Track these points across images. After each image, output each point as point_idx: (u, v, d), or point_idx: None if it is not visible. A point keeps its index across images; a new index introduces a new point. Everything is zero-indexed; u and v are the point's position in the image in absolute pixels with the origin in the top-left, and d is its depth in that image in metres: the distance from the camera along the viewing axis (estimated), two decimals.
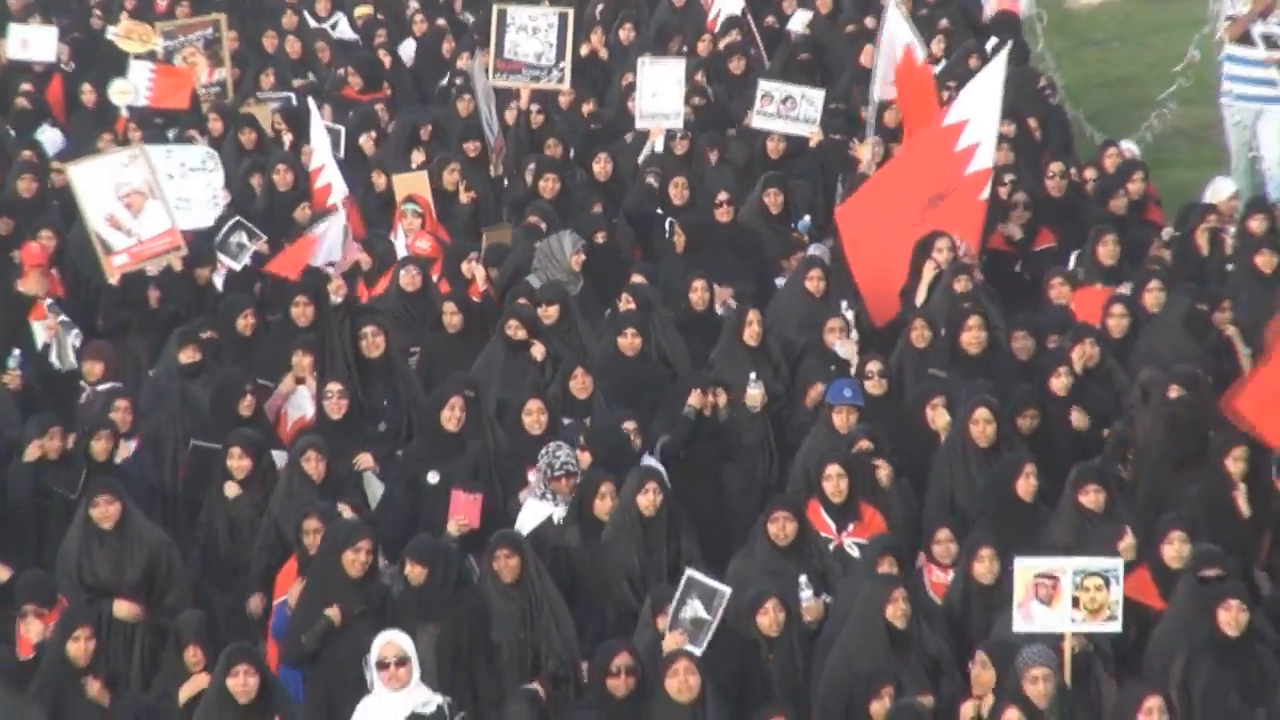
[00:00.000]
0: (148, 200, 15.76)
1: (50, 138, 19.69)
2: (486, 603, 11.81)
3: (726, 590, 11.69)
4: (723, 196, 16.10)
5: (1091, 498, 12.46)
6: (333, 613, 11.76)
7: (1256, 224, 15.69)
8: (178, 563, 12.43)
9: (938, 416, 13.20)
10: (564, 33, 19.10)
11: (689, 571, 11.92)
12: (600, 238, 15.77)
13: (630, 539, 12.49)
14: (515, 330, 14.31)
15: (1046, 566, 11.72)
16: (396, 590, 12.06)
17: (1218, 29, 20.31)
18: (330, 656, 11.76)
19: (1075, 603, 11.52)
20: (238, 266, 16.32)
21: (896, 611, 11.45)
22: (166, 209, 15.79)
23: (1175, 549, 11.84)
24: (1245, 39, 19.34)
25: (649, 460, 13.77)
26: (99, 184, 16.02)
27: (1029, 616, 11.61)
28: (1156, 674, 11.41)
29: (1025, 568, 11.68)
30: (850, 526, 12.81)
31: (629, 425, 13.47)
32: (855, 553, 12.59)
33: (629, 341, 14.43)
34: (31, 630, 11.60)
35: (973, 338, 13.95)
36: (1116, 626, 11.55)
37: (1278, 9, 19.28)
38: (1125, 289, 14.70)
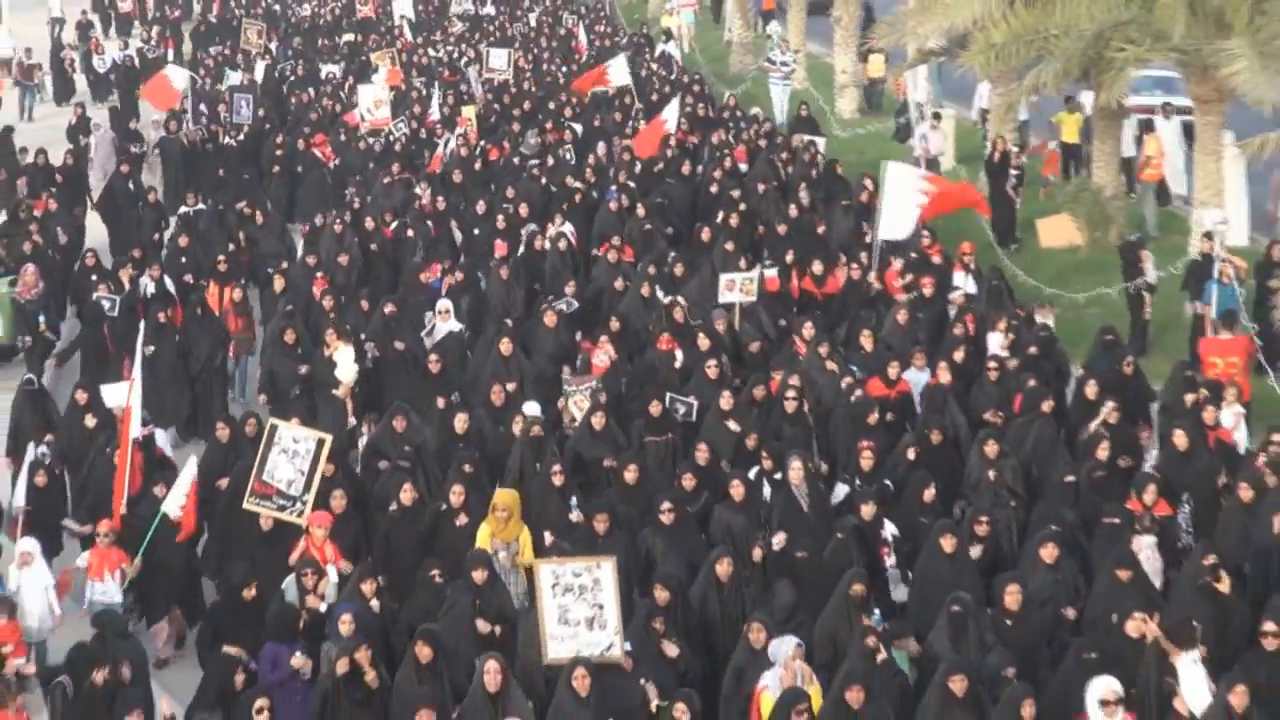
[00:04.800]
0: (385, 104, 32.20)
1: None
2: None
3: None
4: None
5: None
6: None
7: (795, 139, 31.48)
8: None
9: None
10: (512, 58, 38.60)
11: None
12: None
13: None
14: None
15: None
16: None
17: (771, 49, 40.62)
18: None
19: None
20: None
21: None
22: (390, 110, 32.17)
23: None
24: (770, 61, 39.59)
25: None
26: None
27: None
28: None
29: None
30: None
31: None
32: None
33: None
34: None
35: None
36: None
37: (791, 54, 39.69)
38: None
